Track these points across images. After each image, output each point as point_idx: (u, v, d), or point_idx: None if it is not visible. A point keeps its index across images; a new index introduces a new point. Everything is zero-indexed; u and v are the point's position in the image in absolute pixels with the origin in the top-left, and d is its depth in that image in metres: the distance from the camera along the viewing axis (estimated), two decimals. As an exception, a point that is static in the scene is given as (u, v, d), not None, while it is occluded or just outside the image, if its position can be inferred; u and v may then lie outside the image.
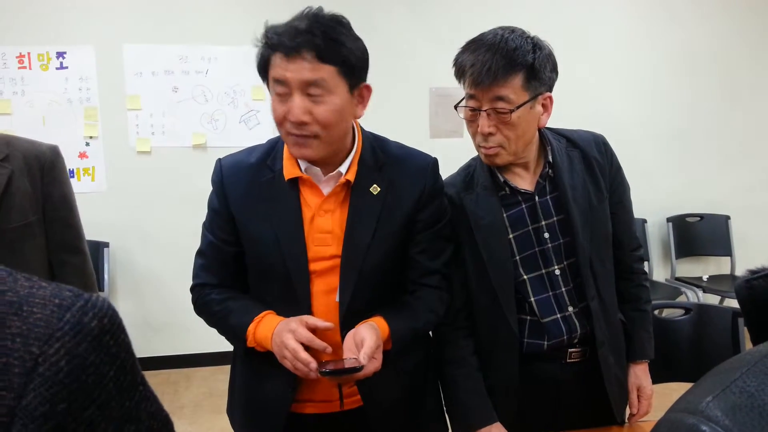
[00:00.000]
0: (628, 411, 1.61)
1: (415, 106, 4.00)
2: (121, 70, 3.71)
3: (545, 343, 1.47)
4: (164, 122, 3.79)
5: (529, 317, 1.48)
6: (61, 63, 3.66)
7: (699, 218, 4.31)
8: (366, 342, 1.22)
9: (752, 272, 0.47)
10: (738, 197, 4.34)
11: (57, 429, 0.30)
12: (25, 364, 0.30)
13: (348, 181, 1.34)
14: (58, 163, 1.71)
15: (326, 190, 1.35)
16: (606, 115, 3.80)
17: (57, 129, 3.60)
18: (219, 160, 1.43)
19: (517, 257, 1.47)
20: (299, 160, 1.35)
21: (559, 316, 1.47)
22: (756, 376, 0.31)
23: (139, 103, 3.75)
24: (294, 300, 1.35)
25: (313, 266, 1.34)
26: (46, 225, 1.68)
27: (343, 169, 1.34)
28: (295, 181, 1.35)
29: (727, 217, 4.29)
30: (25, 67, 3.63)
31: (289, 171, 1.34)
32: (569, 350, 1.50)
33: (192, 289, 1.46)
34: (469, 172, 1.53)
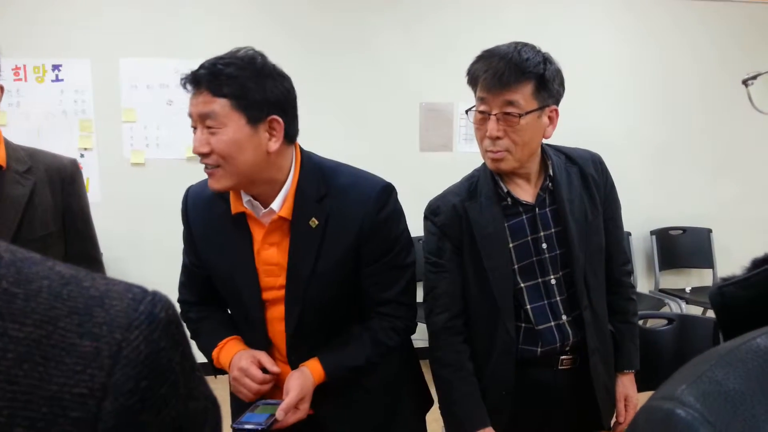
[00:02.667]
0: (613, 419, 1.66)
1: (405, 120, 4.06)
2: (117, 83, 3.75)
3: (539, 349, 1.52)
4: (159, 134, 3.83)
5: (524, 324, 1.52)
6: (57, 76, 3.70)
7: (682, 231, 4.38)
8: (289, 396, 1.32)
9: (724, 279, 0.52)
10: (719, 211, 4.42)
11: (140, 402, 0.36)
12: (112, 348, 0.36)
13: (281, 217, 1.37)
14: (78, 177, 1.75)
15: (267, 222, 1.39)
16: (592, 132, 3.86)
17: (52, 140, 3.62)
18: (187, 190, 1.51)
19: (516, 266, 1.51)
20: (242, 195, 1.39)
21: (553, 324, 1.52)
22: (723, 368, 0.37)
23: (135, 116, 3.79)
24: (252, 325, 1.44)
25: (266, 295, 1.41)
26: (66, 236, 1.70)
27: (275, 205, 1.36)
28: (243, 215, 1.40)
29: (709, 230, 4.38)
30: (20, 80, 3.66)
31: (234, 206, 1.40)
32: (561, 357, 1.54)
33: (177, 303, 1.56)
34: (472, 182, 1.57)
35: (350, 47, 3.96)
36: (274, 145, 1.31)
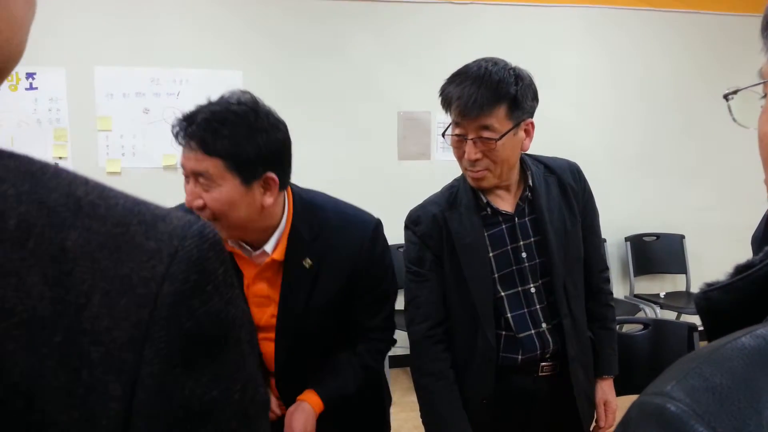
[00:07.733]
0: (593, 424, 1.68)
1: (384, 129, 4.07)
2: (92, 91, 3.71)
3: (519, 357, 1.53)
4: (135, 143, 3.80)
5: (504, 332, 1.54)
6: (31, 84, 3.64)
7: (655, 237, 4.44)
8: None
9: (708, 285, 0.53)
10: (692, 217, 4.50)
11: (190, 289, 0.45)
12: (170, 249, 0.45)
13: (274, 259, 1.36)
14: None
15: (259, 262, 1.38)
16: (568, 142, 3.88)
17: (25, 149, 3.45)
18: None
19: (496, 275, 1.52)
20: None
21: (533, 331, 1.54)
22: (709, 365, 0.39)
23: (110, 125, 3.75)
24: None
25: (255, 324, 1.42)
26: None
27: (268, 248, 1.35)
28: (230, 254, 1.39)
29: (682, 237, 4.45)
30: (-7, 88, 3.61)
31: None
32: (541, 364, 1.56)
33: None
34: (452, 192, 1.58)
35: (329, 57, 3.97)
36: (269, 199, 1.29)
